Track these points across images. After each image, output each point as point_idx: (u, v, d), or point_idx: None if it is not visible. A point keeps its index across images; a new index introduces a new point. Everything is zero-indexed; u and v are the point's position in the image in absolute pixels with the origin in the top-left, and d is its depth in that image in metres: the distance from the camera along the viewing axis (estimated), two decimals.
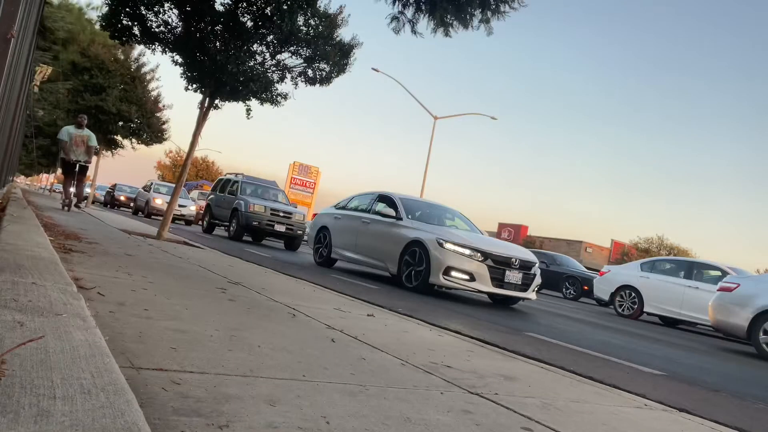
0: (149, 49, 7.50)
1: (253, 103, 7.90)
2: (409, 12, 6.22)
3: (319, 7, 7.36)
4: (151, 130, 17.59)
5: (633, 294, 11.70)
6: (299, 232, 13.85)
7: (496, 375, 2.40)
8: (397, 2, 6.17)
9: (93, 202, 19.83)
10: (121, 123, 16.82)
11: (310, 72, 7.76)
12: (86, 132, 11.35)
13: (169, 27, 7.26)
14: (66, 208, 11.32)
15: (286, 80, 7.80)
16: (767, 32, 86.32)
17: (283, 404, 1.43)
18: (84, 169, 11.38)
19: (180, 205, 19.61)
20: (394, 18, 6.22)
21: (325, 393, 1.61)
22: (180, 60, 7.45)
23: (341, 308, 3.65)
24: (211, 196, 15.85)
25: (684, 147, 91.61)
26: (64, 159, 11.08)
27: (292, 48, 7.51)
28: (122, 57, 16.40)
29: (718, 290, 8.24)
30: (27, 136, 26.01)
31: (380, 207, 8.94)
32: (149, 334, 1.89)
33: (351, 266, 10.70)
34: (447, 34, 6.13)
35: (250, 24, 7.08)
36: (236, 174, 15.78)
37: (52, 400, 0.98)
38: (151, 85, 17.51)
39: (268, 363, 1.82)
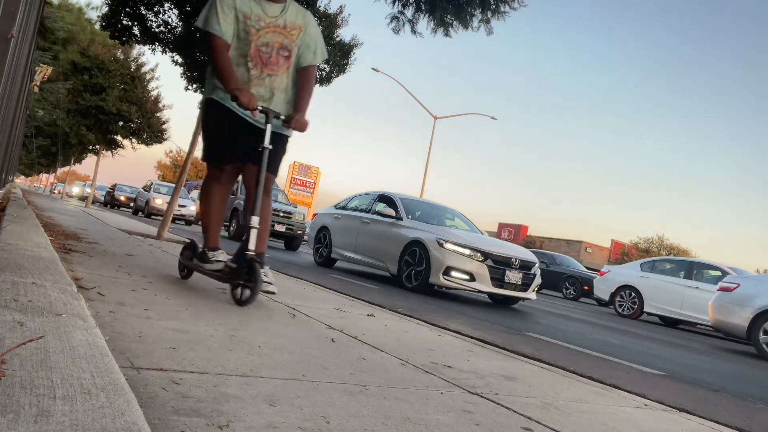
0: (149, 49, 7.51)
1: None
2: (409, 12, 6.22)
3: (319, 7, 7.37)
4: (151, 130, 17.58)
5: (633, 294, 11.70)
6: (299, 232, 13.86)
7: (496, 375, 2.40)
8: (397, 2, 6.18)
9: (93, 202, 19.83)
10: (121, 123, 16.82)
11: None
12: (290, 15, 3.17)
13: (169, 27, 7.26)
14: (222, 263, 3.14)
15: None
16: (767, 31, 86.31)
17: (283, 404, 1.43)
18: (279, 151, 3.23)
19: (180, 205, 19.63)
20: (394, 18, 6.23)
21: (325, 393, 1.61)
22: (180, 60, 7.45)
23: (341, 308, 3.65)
24: None
25: (684, 147, 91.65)
26: (218, 105, 3.14)
27: None
28: (122, 57, 16.40)
29: (718, 290, 8.25)
30: (27, 136, 26.02)
31: (380, 207, 8.95)
32: (149, 334, 1.89)
33: (351, 266, 10.70)
34: (447, 34, 6.14)
35: None
36: None
37: (52, 400, 0.98)
38: (151, 85, 17.51)
39: (268, 363, 1.82)
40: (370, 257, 8.68)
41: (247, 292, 2.80)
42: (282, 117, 3.04)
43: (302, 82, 3.22)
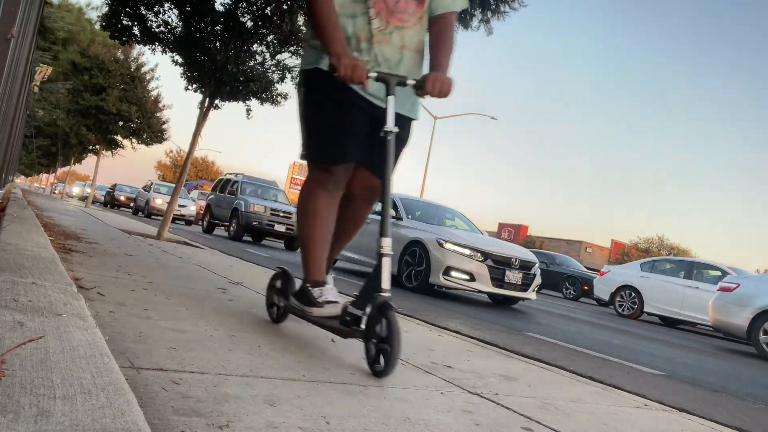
0: (149, 49, 7.51)
1: (253, 103, 7.91)
2: None
3: None
4: (151, 130, 17.59)
5: (633, 294, 11.70)
6: None
7: (496, 375, 2.40)
8: None
9: (93, 202, 19.83)
10: (121, 123, 16.83)
11: None
12: None
13: (169, 27, 7.26)
14: (337, 305, 2.19)
15: (286, 80, 7.80)
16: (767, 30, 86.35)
17: (283, 404, 1.43)
18: (398, 145, 2.26)
19: (180, 205, 19.63)
20: None
21: (325, 393, 1.61)
22: (180, 60, 7.46)
23: None
24: (211, 196, 15.86)
25: (685, 146, 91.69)
26: (329, 78, 2.07)
27: (292, 48, 7.51)
28: (122, 57, 16.40)
29: (718, 290, 8.25)
30: (27, 136, 26.03)
31: (380, 207, 8.94)
32: (149, 334, 1.89)
33: (351, 266, 10.70)
34: None
35: (250, 24, 7.09)
36: (236, 174, 15.80)
37: (52, 400, 0.98)
38: (151, 85, 17.52)
39: (268, 363, 1.82)
40: (370, 257, 8.68)
41: (384, 357, 1.90)
42: (411, 81, 2.13)
43: (438, 35, 2.29)
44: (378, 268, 2.00)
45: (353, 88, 2.19)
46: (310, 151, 2.34)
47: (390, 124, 2.06)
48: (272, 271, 5.72)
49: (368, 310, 1.99)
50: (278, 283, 2.51)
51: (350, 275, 8.54)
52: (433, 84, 2.10)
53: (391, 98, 2.08)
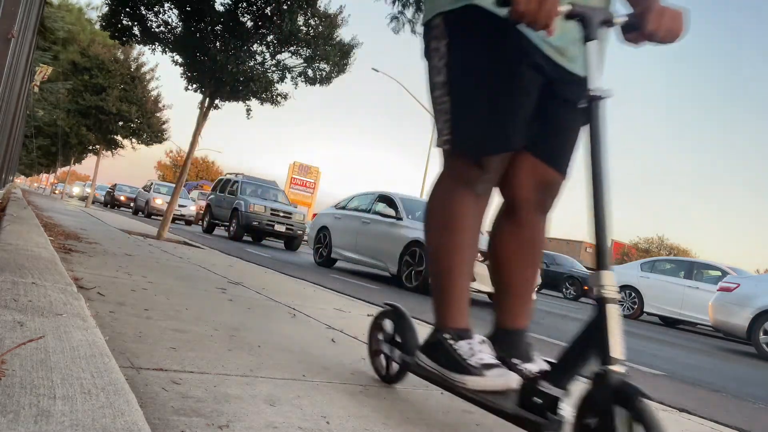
0: (149, 49, 7.52)
1: (253, 103, 7.92)
2: (409, 12, 6.24)
3: (319, 7, 7.38)
4: (151, 130, 17.60)
5: (633, 294, 11.70)
6: (299, 232, 13.88)
7: None
8: (397, 2, 6.19)
9: (93, 202, 19.84)
10: (121, 123, 16.84)
11: (310, 72, 7.78)
12: None
13: (169, 27, 7.27)
14: (505, 372, 1.41)
15: (286, 80, 7.82)
16: (766, 34, 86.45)
17: (283, 404, 1.43)
18: (575, 125, 1.55)
19: (180, 205, 19.64)
20: (394, 18, 6.24)
21: (325, 393, 1.61)
22: (180, 60, 7.46)
23: (341, 308, 3.65)
24: (211, 196, 15.86)
25: (685, 146, 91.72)
26: (489, 19, 1.41)
27: (292, 48, 7.52)
28: (122, 57, 16.41)
29: (718, 290, 8.26)
30: (27, 136, 26.04)
31: (380, 207, 8.96)
32: (149, 334, 1.89)
33: (351, 266, 10.70)
34: None
35: (250, 24, 7.10)
36: (236, 174, 15.80)
37: (52, 400, 0.98)
38: (151, 85, 17.53)
39: (268, 363, 1.82)
40: (370, 257, 8.69)
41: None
42: (620, 19, 1.40)
43: None
44: (598, 323, 1.20)
45: (527, 35, 1.45)
46: (456, 136, 1.54)
47: (596, 85, 1.30)
48: (272, 272, 5.72)
49: (576, 388, 1.25)
50: (387, 328, 1.82)
51: (350, 275, 8.54)
52: (659, 21, 1.36)
53: (593, 44, 1.33)
